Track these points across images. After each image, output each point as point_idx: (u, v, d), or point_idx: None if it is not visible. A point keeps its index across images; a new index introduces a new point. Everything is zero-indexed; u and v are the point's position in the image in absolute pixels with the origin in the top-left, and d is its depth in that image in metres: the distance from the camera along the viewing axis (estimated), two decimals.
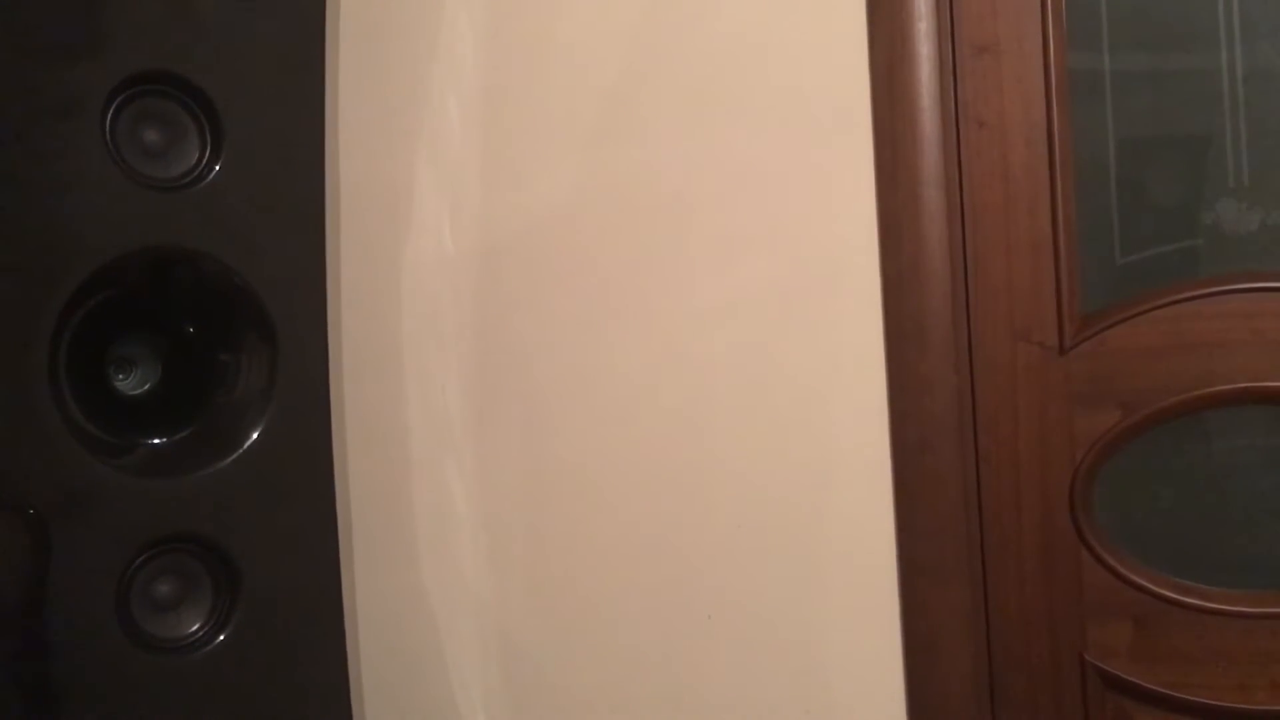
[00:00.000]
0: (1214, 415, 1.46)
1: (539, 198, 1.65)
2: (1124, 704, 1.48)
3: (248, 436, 1.29)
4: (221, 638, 1.26)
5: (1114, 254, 1.51)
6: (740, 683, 1.58)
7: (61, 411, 1.18)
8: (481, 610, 1.69)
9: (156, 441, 1.29)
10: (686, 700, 1.60)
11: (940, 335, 1.49)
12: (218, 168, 1.27)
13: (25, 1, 1.17)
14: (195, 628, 1.26)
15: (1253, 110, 1.46)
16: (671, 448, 1.60)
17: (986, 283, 1.50)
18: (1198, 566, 1.47)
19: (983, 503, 1.51)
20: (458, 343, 1.68)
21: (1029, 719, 1.50)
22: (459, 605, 1.69)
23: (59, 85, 1.18)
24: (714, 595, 1.58)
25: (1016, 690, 1.51)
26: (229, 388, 1.33)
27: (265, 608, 1.28)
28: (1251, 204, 1.46)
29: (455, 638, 1.69)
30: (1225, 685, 1.44)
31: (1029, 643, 1.50)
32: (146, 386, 1.31)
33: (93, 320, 1.22)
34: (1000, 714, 1.51)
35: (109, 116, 1.21)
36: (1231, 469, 1.48)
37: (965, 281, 1.51)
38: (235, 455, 1.28)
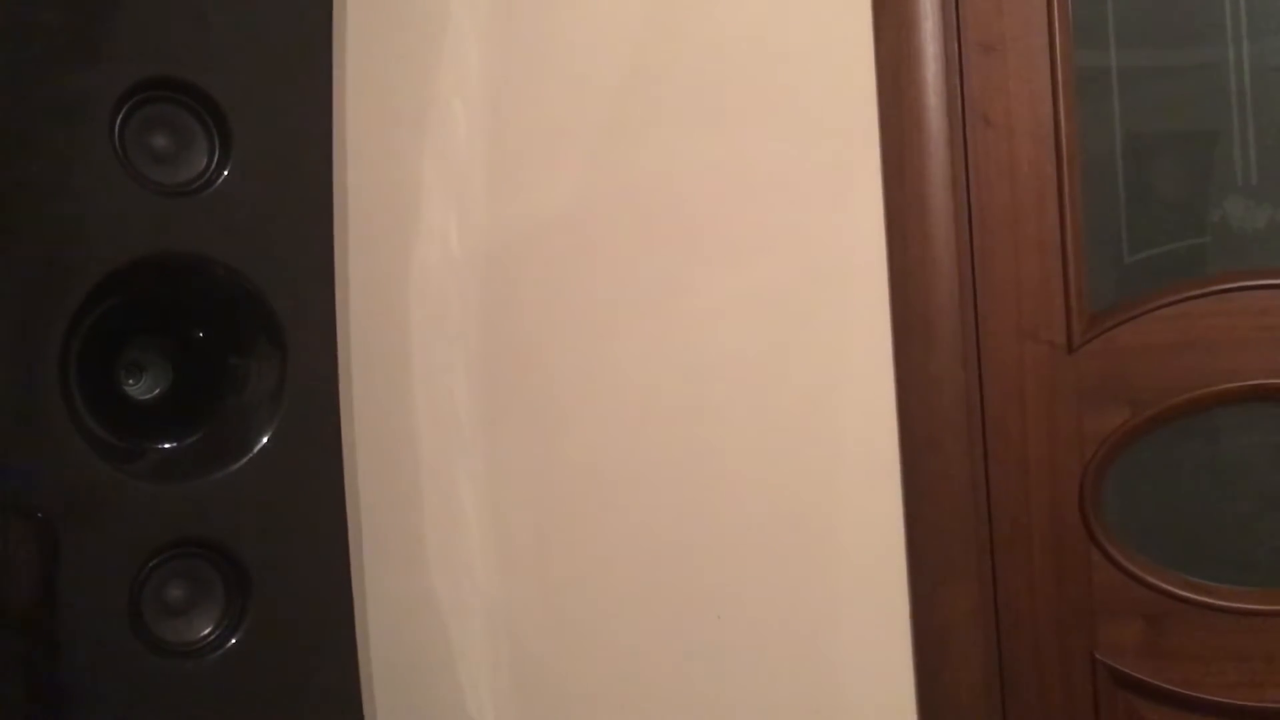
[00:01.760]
0: (1223, 413, 1.46)
1: (546, 200, 1.65)
2: (1134, 702, 1.48)
3: (258, 440, 1.30)
4: (233, 641, 1.27)
5: (1122, 252, 1.51)
6: (750, 682, 1.58)
7: (72, 417, 1.19)
8: (491, 611, 1.69)
9: (167, 446, 1.30)
10: (696, 700, 1.60)
11: (948, 334, 1.49)
12: (226, 173, 1.27)
13: (33, 8, 1.17)
14: (207, 631, 1.26)
15: (1260, 106, 1.45)
16: (680, 448, 1.60)
17: (994, 281, 1.50)
18: (1208, 564, 1.46)
19: (992, 501, 1.51)
20: (466, 345, 1.69)
21: (1040, 717, 1.50)
22: (469, 606, 1.69)
23: (67, 91, 1.19)
24: (723, 595, 1.58)
25: (1027, 689, 1.51)
26: (239, 392, 1.33)
27: (276, 611, 1.29)
28: (1260, 201, 1.45)
29: (465, 639, 1.69)
30: (1236, 683, 1.43)
31: (1039, 641, 1.50)
32: (157, 391, 1.32)
33: (103, 326, 1.23)
34: (1011, 712, 1.51)
35: (117, 122, 1.21)
36: (1241, 466, 1.48)
37: (973, 280, 1.51)
38: (246, 459, 1.29)
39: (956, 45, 1.51)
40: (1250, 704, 1.43)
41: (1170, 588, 1.46)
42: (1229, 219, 1.46)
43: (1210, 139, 1.48)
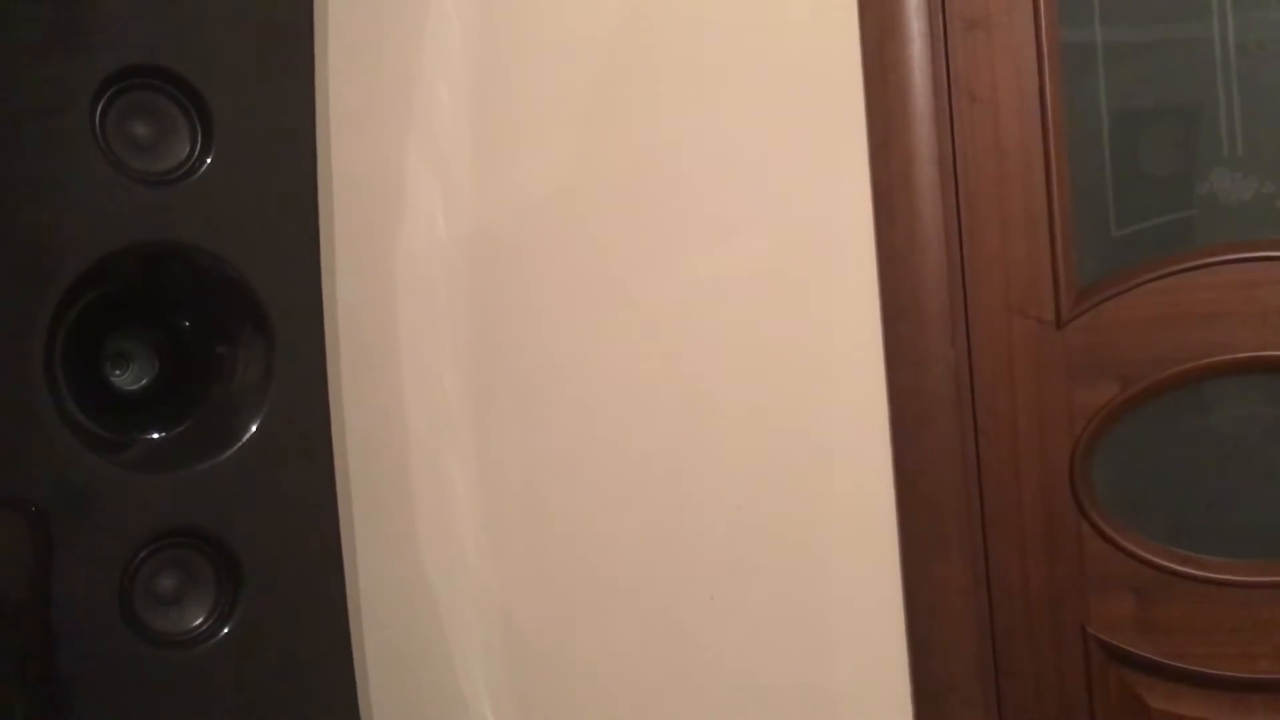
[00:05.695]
0: (1212, 386, 1.46)
1: (531, 181, 1.64)
2: (1127, 675, 1.48)
3: (246, 429, 1.29)
4: (225, 630, 1.26)
5: (1109, 226, 1.51)
6: (744, 662, 1.58)
7: (59, 409, 1.18)
8: (483, 596, 1.69)
9: (155, 436, 1.29)
10: (690, 680, 1.60)
11: (937, 311, 1.49)
12: (209, 160, 1.27)
13: None
14: (199, 621, 1.26)
15: (1246, 79, 1.45)
16: (670, 428, 1.60)
17: (982, 257, 1.50)
18: (1198, 537, 1.47)
19: (982, 478, 1.51)
20: (454, 329, 1.68)
21: (1033, 692, 1.51)
22: (461, 592, 1.69)
23: (47, 81, 1.18)
24: (715, 576, 1.59)
25: (1020, 664, 1.51)
26: (226, 381, 1.32)
27: (268, 600, 1.29)
28: (1246, 173, 1.45)
29: (458, 624, 1.69)
30: (1227, 654, 1.44)
31: (1031, 616, 1.50)
32: (144, 381, 1.31)
33: (88, 316, 1.22)
34: (1004, 688, 1.51)
35: (98, 111, 1.20)
36: (1231, 439, 1.48)
37: (961, 256, 1.50)
38: (235, 448, 1.28)
39: (941, 22, 1.50)
40: (1242, 675, 1.44)
41: (1161, 561, 1.46)
42: (1216, 192, 1.46)
43: (1196, 112, 1.48)
